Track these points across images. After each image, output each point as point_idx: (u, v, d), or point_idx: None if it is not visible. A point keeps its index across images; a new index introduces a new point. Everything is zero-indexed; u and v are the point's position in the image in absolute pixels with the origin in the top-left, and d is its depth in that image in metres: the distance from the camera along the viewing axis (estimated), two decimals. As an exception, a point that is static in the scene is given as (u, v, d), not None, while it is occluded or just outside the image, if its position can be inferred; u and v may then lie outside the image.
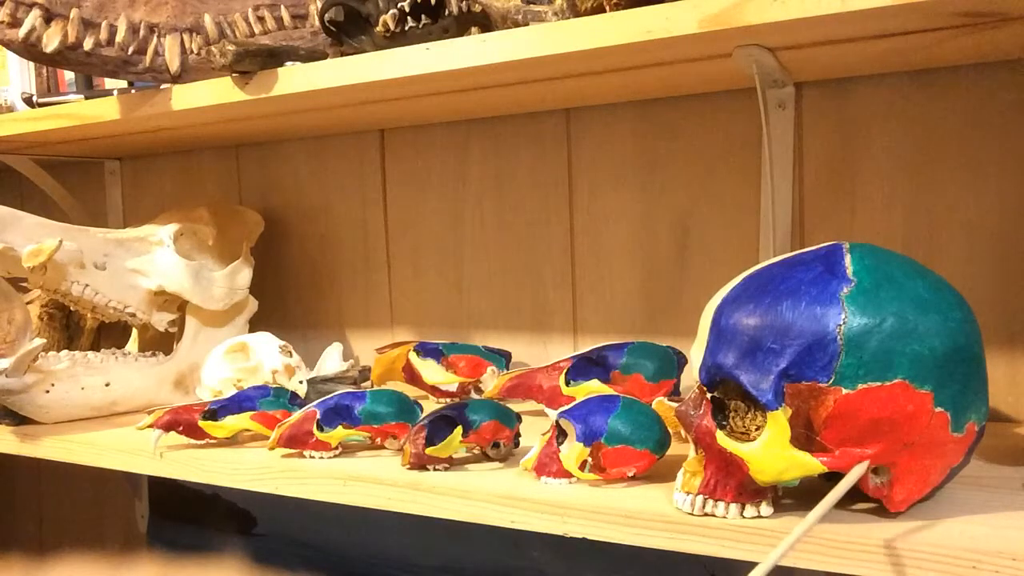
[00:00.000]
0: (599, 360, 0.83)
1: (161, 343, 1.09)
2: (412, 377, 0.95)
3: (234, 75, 0.87)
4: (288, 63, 0.86)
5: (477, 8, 0.81)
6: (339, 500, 0.73)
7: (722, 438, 0.56)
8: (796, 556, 0.54)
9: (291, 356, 0.96)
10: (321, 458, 0.77)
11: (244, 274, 1.09)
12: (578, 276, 1.02)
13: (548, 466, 0.66)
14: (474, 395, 0.94)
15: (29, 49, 0.86)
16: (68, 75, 1.29)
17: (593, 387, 0.81)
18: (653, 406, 0.69)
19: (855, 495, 0.58)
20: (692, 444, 0.58)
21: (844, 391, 0.52)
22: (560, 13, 0.73)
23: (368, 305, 1.17)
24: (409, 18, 0.80)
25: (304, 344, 1.22)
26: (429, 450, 0.70)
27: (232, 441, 0.84)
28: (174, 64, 0.91)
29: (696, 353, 0.59)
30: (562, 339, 1.03)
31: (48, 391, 0.93)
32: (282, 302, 1.24)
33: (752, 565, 0.56)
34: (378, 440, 0.78)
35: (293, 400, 0.85)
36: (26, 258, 0.89)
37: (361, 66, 0.80)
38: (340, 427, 0.77)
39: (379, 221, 1.15)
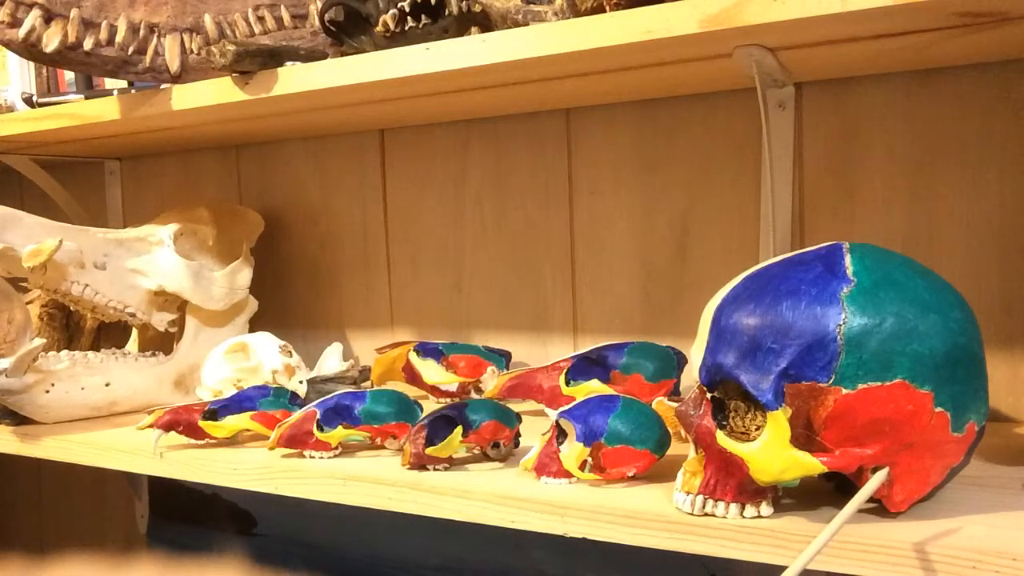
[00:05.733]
0: (599, 360, 0.83)
1: (161, 343, 1.09)
2: (412, 377, 0.95)
3: (234, 75, 0.87)
4: (288, 63, 0.86)
5: (477, 8, 0.81)
6: (339, 500, 0.73)
7: (722, 438, 0.56)
8: (796, 557, 0.54)
9: (291, 356, 0.96)
10: (321, 458, 0.77)
11: (244, 274, 1.09)
12: (578, 276, 1.02)
13: (548, 466, 0.66)
14: (474, 395, 0.94)
15: (29, 49, 0.86)
16: (68, 75, 1.29)
17: (593, 387, 0.81)
18: (653, 406, 0.69)
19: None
20: (692, 444, 0.58)
21: (844, 391, 0.52)
22: (560, 13, 0.73)
23: (368, 305, 1.17)
24: (409, 18, 0.80)
25: (304, 344, 1.22)
26: (429, 450, 0.70)
27: (232, 441, 0.84)
28: (174, 64, 0.91)
29: (696, 353, 0.59)
30: (562, 339, 1.03)
31: (48, 391, 0.93)
32: (282, 302, 1.24)
33: (752, 565, 0.56)
34: (378, 440, 0.78)
35: (293, 400, 0.85)
36: (26, 258, 0.89)
37: (361, 66, 0.80)
38: (340, 427, 0.77)
39: (379, 221, 1.15)
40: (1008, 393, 0.81)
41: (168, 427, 0.81)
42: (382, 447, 0.79)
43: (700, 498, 0.57)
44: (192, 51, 0.92)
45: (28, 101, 1.23)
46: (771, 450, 0.54)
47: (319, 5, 0.87)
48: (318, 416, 0.76)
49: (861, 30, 0.66)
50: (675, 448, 0.66)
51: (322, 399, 0.78)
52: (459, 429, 0.71)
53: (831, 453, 0.54)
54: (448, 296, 1.11)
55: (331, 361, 1.00)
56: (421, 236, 1.12)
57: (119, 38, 0.88)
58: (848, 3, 0.59)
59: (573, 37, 0.70)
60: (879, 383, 0.52)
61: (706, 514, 0.57)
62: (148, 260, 1.01)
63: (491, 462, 0.73)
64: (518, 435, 0.74)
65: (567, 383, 0.81)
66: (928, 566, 0.51)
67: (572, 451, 0.65)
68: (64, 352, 0.96)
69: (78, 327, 1.17)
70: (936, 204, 0.82)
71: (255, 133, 1.15)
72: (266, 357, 0.95)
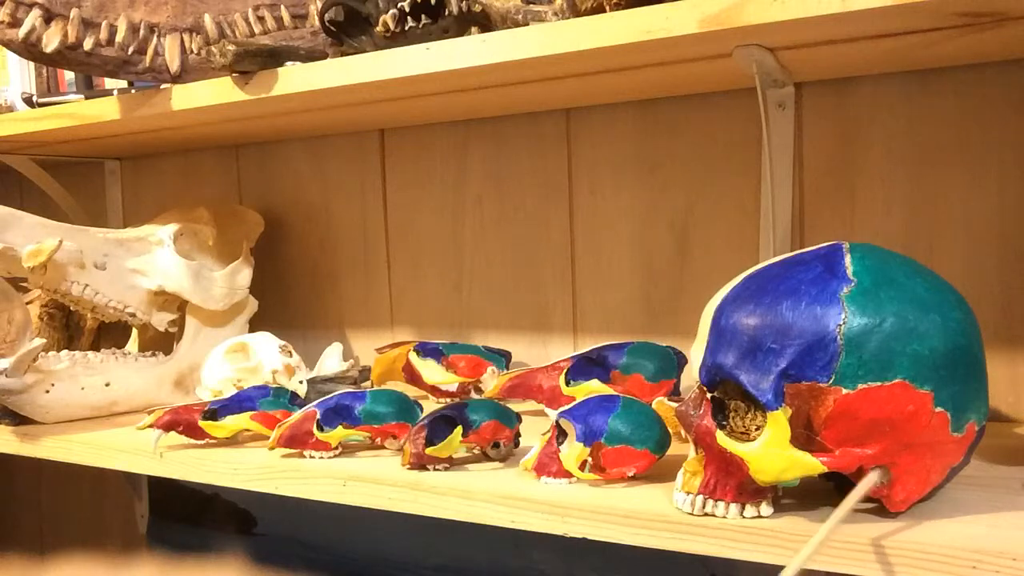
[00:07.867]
0: (599, 360, 0.83)
1: (161, 343, 1.09)
2: (412, 377, 0.95)
3: (234, 75, 0.87)
4: (288, 63, 0.86)
5: (477, 8, 0.81)
6: (339, 500, 0.73)
7: (722, 438, 0.56)
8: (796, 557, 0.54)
9: (291, 356, 0.96)
10: (321, 458, 0.77)
11: (244, 274, 1.09)
12: (578, 276, 1.02)
13: (548, 466, 0.66)
14: (474, 395, 0.94)
15: (29, 49, 0.86)
16: (68, 75, 1.29)
17: (593, 387, 0.81)
18: (653, 406, 0.69)
19: (855, 495, 0.58)
20: (692, 444, 0.58)
21: (844, 391, 0.52)
22: (560, 13, 0.73)
23: (368, 305, 1.17)
24: (409, 18, 0.80)
25: (304, 344, 1.22)
26: (429, 450, 0.70)
27: (232, 441, 0.84)
28: (174, 64, 0.91)
29: (696, 353, 0.59)
30: (562, 339, 1.03)
31: (48, 391, 0.93)
32: (282, 302, 1.24)
33: (752, 565, 0.56)
34: (378, 440, 0.78)
35: (293, 400, 0.85)
36: (26, 258, 0.89)
37: (361, 66, 0.80)
38: (340, 427, 0.77)
39: (379, 221, 1.15)
40: (1008, 393, 0.81)
41: (168, 427, 0.81)
42: (382, 447, 0.79)
43: (700, 498, 0.57)
44: (192, 51, 0.92)
45: (28, 101, 1.23)
46: (771, 450, 0.54)
47: (319, 5, 0.87)
48: (318, 416, 0.76)
49: (861, 30, 0.66)
50: (675, 448, 0.66)
51: (322, 399, 0.78)
52: (459, 429, 0.71)
53: (831, 453, 0.54)
54: (448, 296, 1.11)
55: (331, 361, 1.00)
56: (421, 236, 1.12)
57: (119, 38, 0.88)
58: (848, 3, 0.59)
59: (573, 37, 0.70)
60: (879, 383, 0.52)
61: (706, 514, 0.57)
62: (148, 260, 1.01)
63: (491, 462, 0.73)
64: (518, 435, 0.74)
65: (567, 383, 0.81)
66: (928, 566, 0.51)
67: (572, 451, 0.65)
68: (64, 352, 0.96)
69: (78, 327, 1.17)
70: (936, 204, 0.82)
71: (255, 133, 1.15)
72: (266, 357, 0.95)
